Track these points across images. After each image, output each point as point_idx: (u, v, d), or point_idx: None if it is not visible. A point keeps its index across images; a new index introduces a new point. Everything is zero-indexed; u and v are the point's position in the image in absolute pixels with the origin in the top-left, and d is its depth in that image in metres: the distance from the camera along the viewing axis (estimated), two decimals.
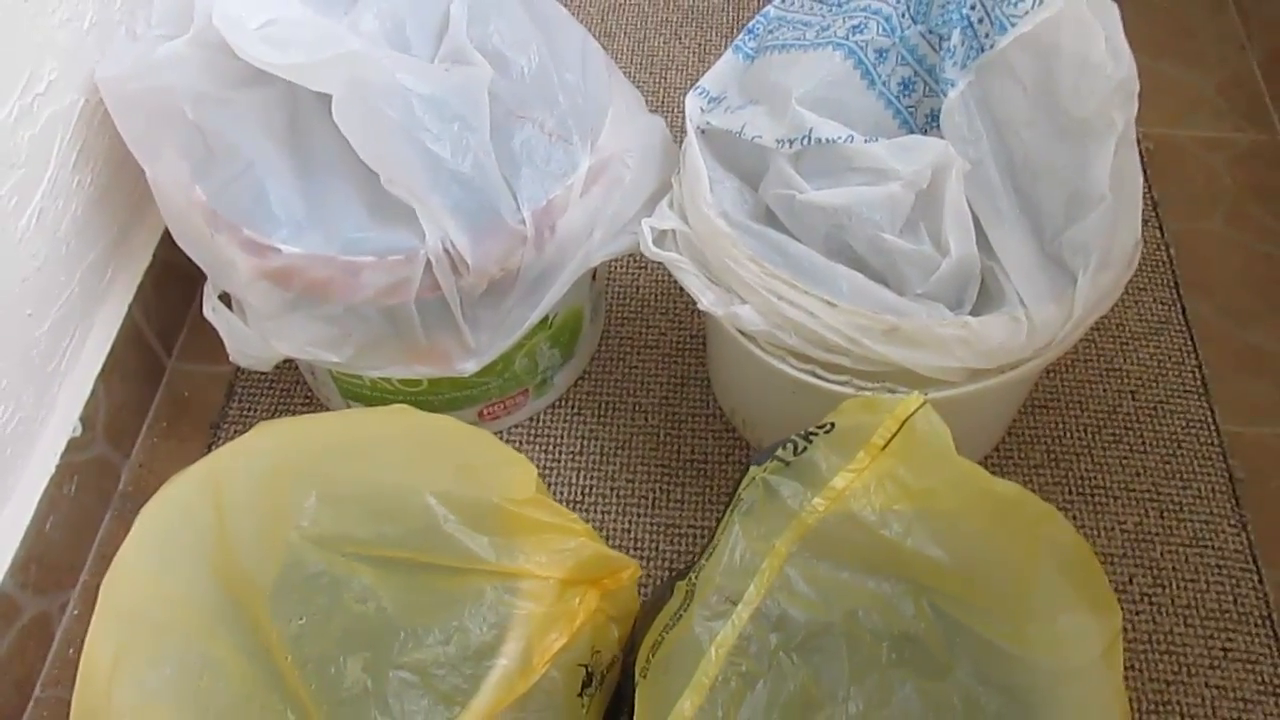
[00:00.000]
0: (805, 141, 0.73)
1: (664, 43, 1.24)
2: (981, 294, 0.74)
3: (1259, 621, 0.84)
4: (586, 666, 0.61)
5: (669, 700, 0.55)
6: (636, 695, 0.58)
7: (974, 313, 0.73)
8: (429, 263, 0.73)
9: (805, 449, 0.61)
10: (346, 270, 0.73)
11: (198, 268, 0.96)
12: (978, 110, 0.72)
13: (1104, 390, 0.96)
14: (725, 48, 0.84)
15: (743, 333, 0.76)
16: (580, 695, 0.60)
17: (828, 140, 0.72)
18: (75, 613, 0.86)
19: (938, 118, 0.74)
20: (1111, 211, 0.70)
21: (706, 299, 0.76)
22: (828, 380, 0.74)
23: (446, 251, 0.73)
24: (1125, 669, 0.80)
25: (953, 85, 0.72)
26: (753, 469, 0.62)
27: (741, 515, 0.60)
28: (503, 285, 0.78)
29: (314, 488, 0.62)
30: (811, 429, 0.62)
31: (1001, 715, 0.58)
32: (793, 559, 0.59)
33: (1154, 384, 0.97)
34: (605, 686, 0.63)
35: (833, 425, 0.62)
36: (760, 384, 0.82)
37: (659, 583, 0.85)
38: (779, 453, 0.62)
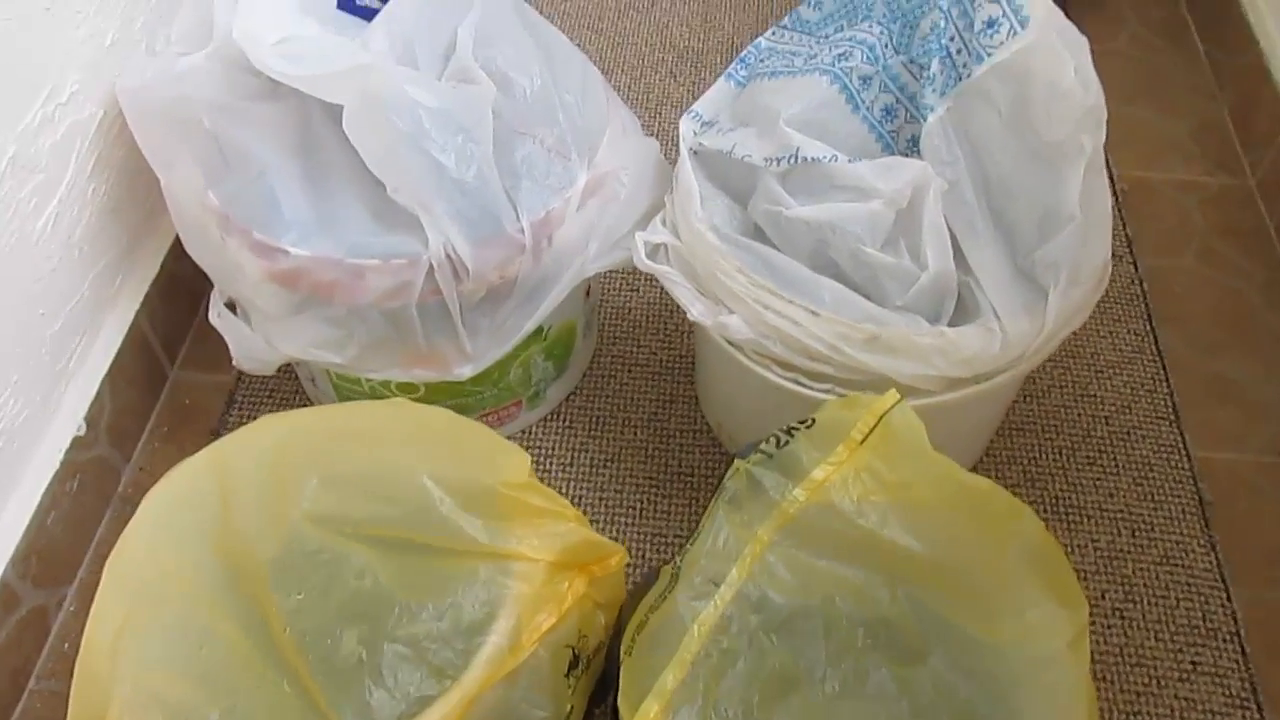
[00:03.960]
0: (792, 160, 0.77)
1: (660, 80, 1.29)
2: (958, 309, 0.78)
3: (1227, 637, 0.86)
4: (573, 648, 0.63)
5: (653, 675, 0.57)
6: (622, 671, 0.60)
7: (951, 326, 0.76)
8: (431, 267, 0.76)
9: (787, 443, 0.64)
10: (352, 273, 0.77)
11: (203, 280, 0.99)
12: (955, 134, 0.76)
13: (1079, 415, 0.99)
14: None
15: (730, 342, 0.79)
16: (567, 676, 0.62)
17: (813, 159, 0.76)
18: (72, 609, 0.87)
19: (918, 143, 0.78)
20: (1081, 230, 0.74)
21: (696, 309, 0.79)
22: (811, 388, 0.77)
23: (448, 257, 0.76)
24: (1097, 680, 0.83)
25: (932, 110, 0.76)
26: (737, 461, 0.65)
27: (725, 503, 0.63)
28: (501, 293, 0.81)
29: (315, 471, 0.65)
30: (793, 424, 0.65)
31: (973, 700, 0.61)
32: (774, 546, 0.62)
33: (1127, 410, 1.00)
34: (591, 671, 0.65)
35: (813, 421, 0.65)
36: (746, 394, 0.85)
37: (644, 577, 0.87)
38: (762, 446, 0.65)
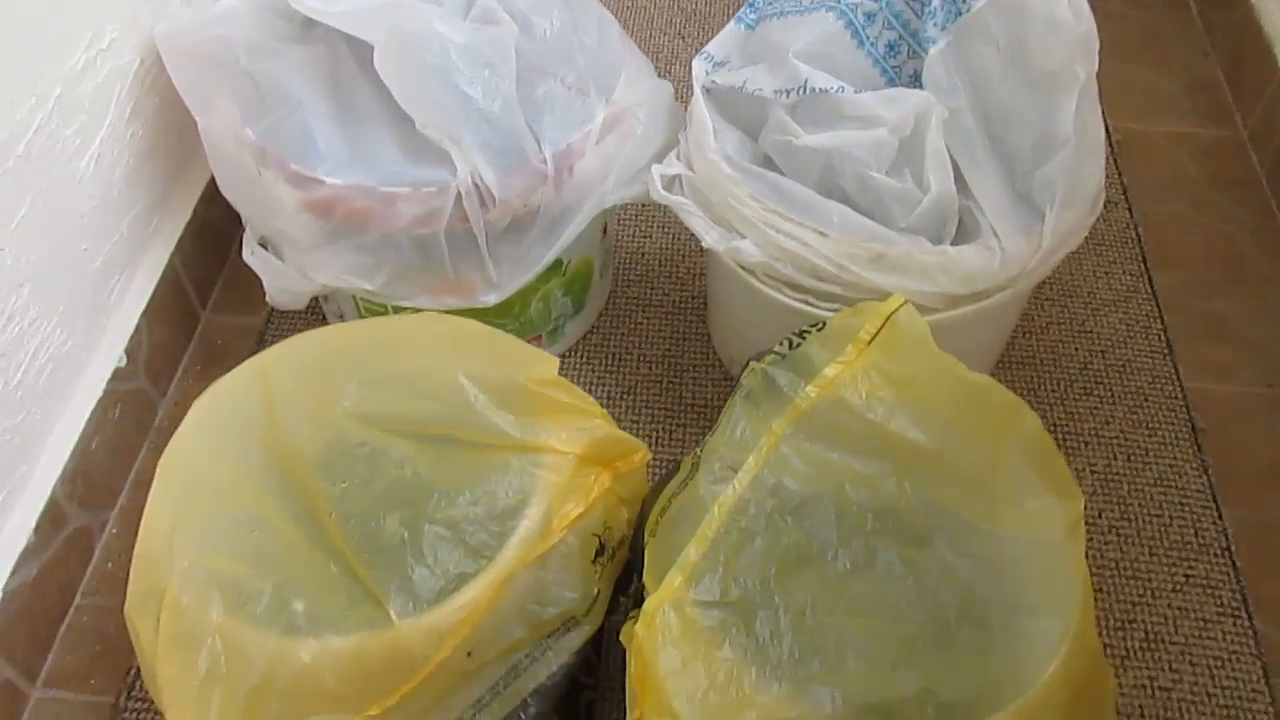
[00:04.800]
0: (801, 92, 0.81)
1: (669, 41, 1.33)
2: (960, 232, 0.82)
3: (1219, 552, 0.90)
4: (599, 537, 0.67)
5: (676, 551, 0.61)
6: (646, 551, 0.64)
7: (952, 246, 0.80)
8: (459, 195, 0.81)
9: (800, 344, 0.68)
10: (384, 200, 0.81)
11: (233, 227, 1.03)
12: (956, 66, 0.80)
13: (1076, 349, 1.03)
14: None
15: (743, 267, 0.83)
16: (594, 562, 0.66)
17: (821, 90, 0.80)
18: (114, 531, 0.92)
19: (920, 78, 0.83)
20: (1075, 154, 0.78)
21: (710, 237, 0.83)
22: (820, 308, 0.81)
23: (475, 185, 0.81)
24: (1094, 591, 0.87)
25: (933, 43, 0.80)
26: (752, 363, 0.69)
27: (742, 399, 0.67)
28: (524, 222, 0.85)
29: (356, 373, 0.69)
30: (805, 328, 0.69)
31: (974, 580, 0.64)
32: (788, 439, 0.66)
33: (1122, 345, 1.04)
34: (616, 561, 0.69)
35: (824, 324, 0.69)
36: (757, 319, 0.89)
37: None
38: (776, 348, 0.69)
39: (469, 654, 0.61)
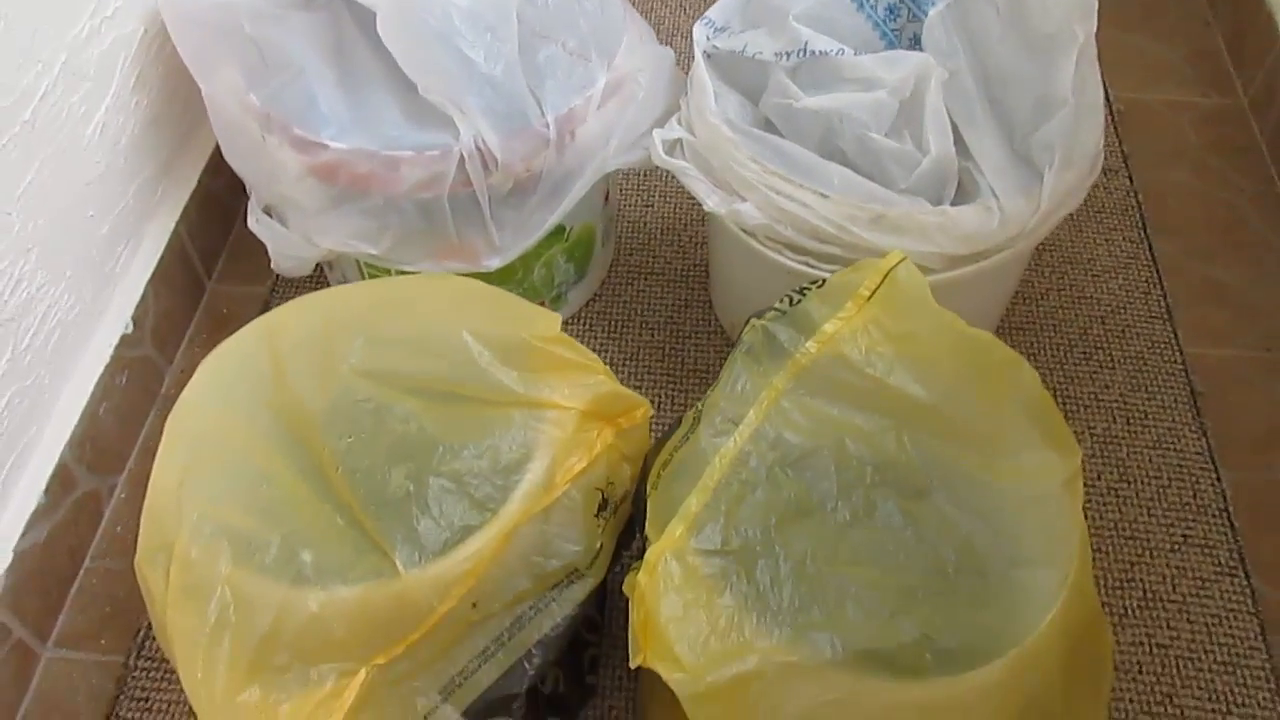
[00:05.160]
0: (801, 54, 0.82)
1: (670, 13, 1.33)
2: (959, 194, 0.83)
3: (1216, 513, 0.91)
4: (602, 492, 0.68)
5: (677, 503, 0.62)
6: (648, 504, 0.65)
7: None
8: (462, 158, 0.81)
9: (800, 301, 0.69)
10: (387, 164, 0.81)
11: (237, 198, 1.04)
12: (955, 28, 0.81)
13: (1076, 315, 1.04)
14: None
15: (744, 230, 0.84)
16: (597, 516, 0.67)
17: (821, 53, 0.81)
18: (123, 496, 0.93)
19: (919, 42, 0.83)
20: (1074, 114, 0.78)
21: (711, 200, 0.83)
22: (820, 270, 0.81)
23: (478, 148, 0.81)
24: (1093, 552, 0.88)
25: (933, 5, 0.81)
26: (753, 319, 0.69)
27: (743, 354, 0.68)
28: (527, 186, 0.86)
29: (362, 332, 0.70)
30: (805, 285, 0.70)
31: (973, 532, 0.65)
32: (788, 394, 0.67)
33: (1122, 311, 1.05)
34: (619, 516, 0.70)
35: (824, 281, 0.69)
36: (758, 284, 0.89)
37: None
38: (777, 305, 0.69)
39: (474, 605, 0.62)
